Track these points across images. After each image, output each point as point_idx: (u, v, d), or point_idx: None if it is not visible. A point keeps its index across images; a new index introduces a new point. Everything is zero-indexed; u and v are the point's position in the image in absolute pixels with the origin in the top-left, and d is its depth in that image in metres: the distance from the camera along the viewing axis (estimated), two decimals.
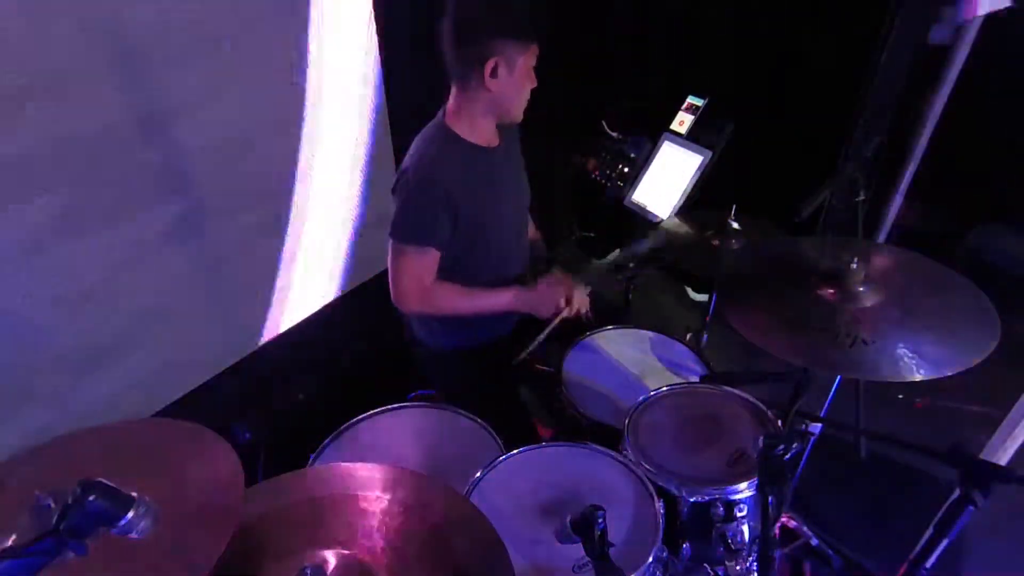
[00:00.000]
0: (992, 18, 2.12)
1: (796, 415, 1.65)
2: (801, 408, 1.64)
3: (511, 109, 1.68)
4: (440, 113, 1.70)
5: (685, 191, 2.84)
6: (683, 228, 2.10)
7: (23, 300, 1.66)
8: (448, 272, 1.75)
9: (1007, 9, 1.94)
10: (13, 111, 1.53)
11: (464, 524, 1.08)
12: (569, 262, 3.24)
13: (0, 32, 1.46)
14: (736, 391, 1.56)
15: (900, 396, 2.63)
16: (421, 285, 1.68)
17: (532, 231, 2.03)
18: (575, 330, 1.90)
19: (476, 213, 1.69)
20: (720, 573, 1.43)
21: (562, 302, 1.81)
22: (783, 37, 2.65)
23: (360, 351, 2.63)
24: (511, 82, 1.60)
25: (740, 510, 1.35)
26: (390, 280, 1.69)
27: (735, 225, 1.93)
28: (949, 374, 1.19)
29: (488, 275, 1.83)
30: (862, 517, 2.24)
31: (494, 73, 1.57)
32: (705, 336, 2.17)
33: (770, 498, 1.12)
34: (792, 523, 2.03)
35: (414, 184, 1.62)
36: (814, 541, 2.01)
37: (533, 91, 1.67)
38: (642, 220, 2.94)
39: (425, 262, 1.66)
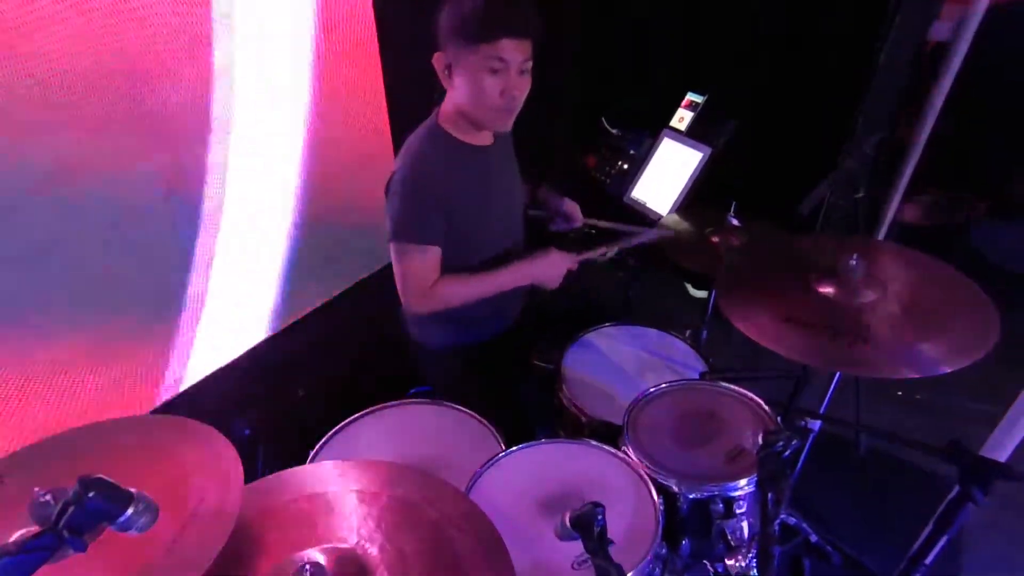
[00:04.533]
0: (993, 15, 2.11)
1: (795, 412, 1.66)
2: (800, 405, 1.65)
3: (473, 113, 1.59)
4: (434, 113, 1.69)
5: (685, 188, 2.84)
6: (683, 225, 2.10)
7: (22, 297, 1.66)
8: (444, 269, 1.74)
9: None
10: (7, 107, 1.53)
11: (464, 521, 1.08)
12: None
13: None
14: (735, 388, 1.56)
15: (899, 392, 2.63)
16: (426, 283, 1.65)
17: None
18: (574, 326, 1.90)
19: (467, 211, 1.68)
20: (720, 570, 1.44)
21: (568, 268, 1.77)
22: (784, 33, 2.65)
23: (360, 347, 2.63)
24: (462, 83, 1.53)
25: (740, 506, 1.35)
26: (397, 283, 1.67)
27: (735, 222, 1.93)
28: (948, 371, 1.19)
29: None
30: (861, 514, 2.25)
31: (448, 71, 1.55)
32: (704, 333, 2.17)
33: (769, 495, 1.12)
34: (791, 520, 2.03)
35: (406, 184, 1.61)
36: (813, 538, 2.01)
37: (533, 87, 1.62)
38: (642, 217, 2.94)
39: (427, 260, 1.64)
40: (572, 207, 2.01)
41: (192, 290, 2.08)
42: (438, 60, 1.54)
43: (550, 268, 1.75)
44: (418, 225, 1.61)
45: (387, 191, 1.65)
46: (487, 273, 1.72)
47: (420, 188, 1.61)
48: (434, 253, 1.65)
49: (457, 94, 1.57)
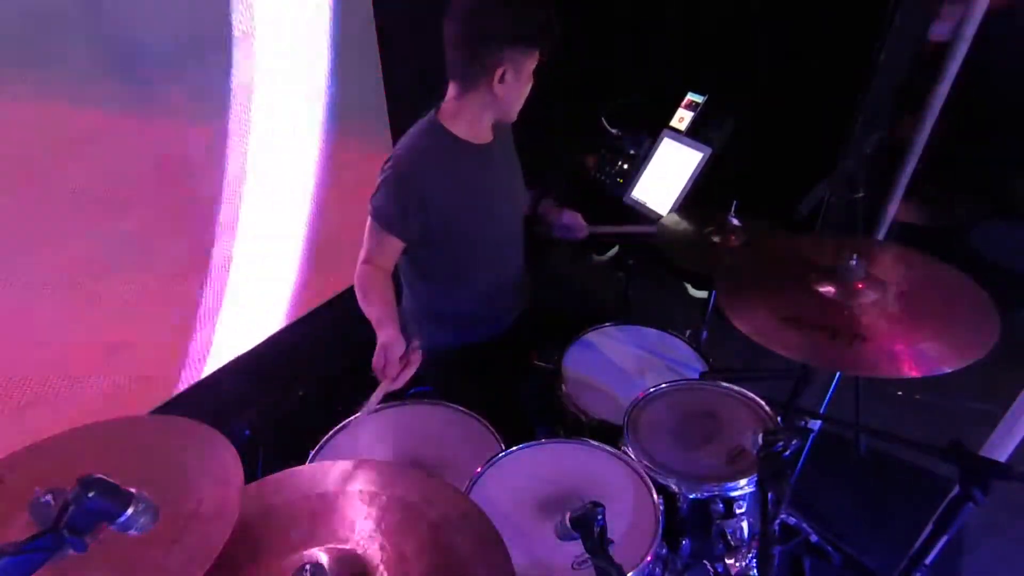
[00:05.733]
0: (992, 14, 2.11)
1: (795, 411, 1.66)
2: (800, 405, 1.65)
3: (512, 111, 1.70)
4: (434, 110, 1.70)
5: (685, 188, 2.84)
6: (682, 225, 2.10)
7: (24, 296, 1.66)
8: (443, 269, 1.74)
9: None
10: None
11: (463, 521, 1.08)
12: (568, 259, 3.26)
13: None
14: (735, 388, 1.56)
15: (899, 392, 2.63)
16: (374, 260, 1.67)
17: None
18: (574, 326, 1.90)
19: (462, 210, 1.69)
20: (720, 570, 1.44)
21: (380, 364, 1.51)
22: (783, 33, 2.65)
23: (360, 348, 2.63)
24: (516, 86, 1.62)
25: (740, 506, 1.35)
26: None
27: (735, 222, 1.93)
28: (948, 371, 1.19)
29: (483, 273, 1.82)
30: (861, 514, 2.25)
31: (502, 79, 1.58)
32: (704, 333, 2.17)
33: (770, 494, 1.12)
34: (791, 520, 2.03)
35: (392, 173, 1.64)
36: (813, 538, 2.01)
37: (534, 88, 1.67)
38: (642, 217, 2.94)
39: (380, 244, 1.67)
40: (572, 217, 2.02)
41: (192, 292, 2.08)
42: (501, 68, 1.56)
43: (385, 342, 1.53)
44: (386, 213, 1.64)
45: (381, 170, 1.68)
46: (384, 303, 1.62)
47: (402, 184, 1.63)
48: (391, 243, 1.67)
49: (504, 97, 1.62)
